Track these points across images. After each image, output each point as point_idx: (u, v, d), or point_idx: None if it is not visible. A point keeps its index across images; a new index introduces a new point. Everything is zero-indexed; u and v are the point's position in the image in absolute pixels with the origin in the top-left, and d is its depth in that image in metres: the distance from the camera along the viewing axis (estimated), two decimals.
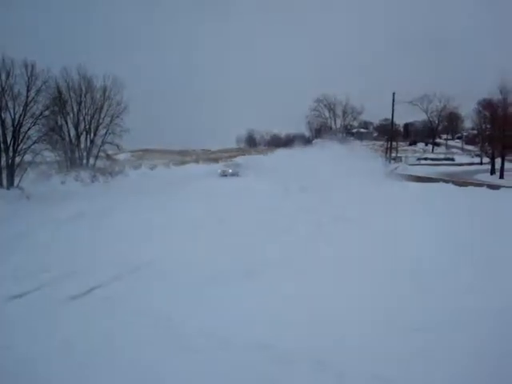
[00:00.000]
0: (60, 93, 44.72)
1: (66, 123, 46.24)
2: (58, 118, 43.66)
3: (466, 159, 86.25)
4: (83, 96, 47.88)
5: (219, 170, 53.27)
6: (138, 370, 6.78)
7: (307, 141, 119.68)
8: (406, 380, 6.27)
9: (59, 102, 43.67)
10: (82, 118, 47.81)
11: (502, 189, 32.75)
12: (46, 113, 37.41)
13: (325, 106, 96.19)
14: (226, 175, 50.95)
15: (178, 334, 7.95)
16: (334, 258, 12.43)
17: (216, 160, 73.85)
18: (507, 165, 54.94)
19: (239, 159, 75.48)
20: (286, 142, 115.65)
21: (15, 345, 7.69)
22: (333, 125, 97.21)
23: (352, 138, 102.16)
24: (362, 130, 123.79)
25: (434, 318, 8.24)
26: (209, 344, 7.50)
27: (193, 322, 8.42)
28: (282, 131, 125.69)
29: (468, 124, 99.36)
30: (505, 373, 6.42)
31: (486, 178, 49.13)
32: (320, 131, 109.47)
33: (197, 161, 71.02)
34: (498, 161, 54.55)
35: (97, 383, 6.52)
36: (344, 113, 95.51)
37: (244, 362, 6.86)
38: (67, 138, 45.92)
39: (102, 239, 16.04)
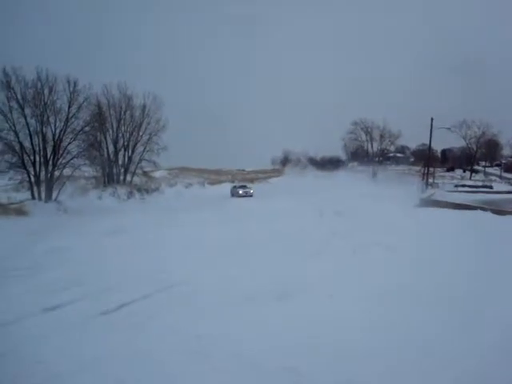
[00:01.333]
0: (100, 109, 45.53)
1: (105, 139, 47.02)
2: (98, 134, 44.38)
3: (504, 187, 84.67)
4: (123, 113, 48.73)
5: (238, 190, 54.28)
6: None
7: (343, 164, 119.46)
8: None
9: (99, 118, 44.40)
10: (120, 134, 48.61)
11: None
12: (87, 128, 38.15)
13: (362, 129, 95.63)
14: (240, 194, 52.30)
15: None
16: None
17: (251, 180, 73.99)
18: None
19: (274, 180, 75.62)
20: (322, 164, 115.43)
21: (46, 360, 7.74)
22: (369, 148, 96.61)
23: (388, 163, 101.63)
24: (399, 154, 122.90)
25: None
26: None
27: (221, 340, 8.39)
28: (318, 153, 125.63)
29: (507, 151, 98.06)
30: None
31: None
32: (356, 154, 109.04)
33: (232, 180, 71.24)
34: None
35: None
36: (381, 136, 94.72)
37: None
38: (106, 154, 46.65)
39: (136, 255, 16.17)
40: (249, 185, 56.39)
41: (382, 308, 10.25)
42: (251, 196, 51.20)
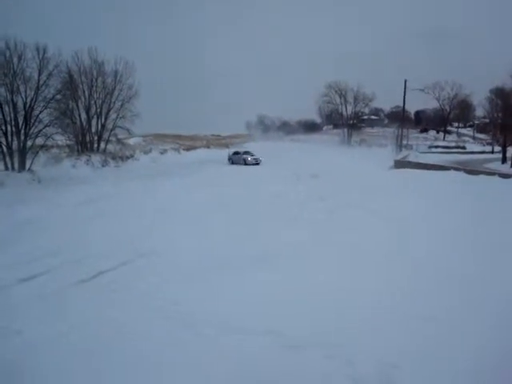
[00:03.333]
0: (71, 77, 44.63)
1: (77, 107, 46.19)
2: (70, 101, 43.56)
3: (477, 147, 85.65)
4: (94, 80, 47.77)
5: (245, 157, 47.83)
6: (144, 357, 6.80)
7: (318, 127, 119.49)
8: None
9: (70, 85, 43.56)
10: (93, 102, 47.76)
11: None
12: (58, 97, 37.45)
13: (336, 92, 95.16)
14: (248, 162, 46.88)
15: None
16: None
17: (227, 145, 73.75)
18: None
19: (249, 145, 75.39)
20: (297, 128, 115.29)
21: (24, 329, 7.76)
22: (344, 111, 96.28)
23: (363, 125, 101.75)
24: (373, 116, 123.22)
25: None
26: None
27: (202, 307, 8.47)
28: (293, 117, 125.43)
29: (480, 112, 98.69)
30: None
31: (498, 166, 48.73)
32: (331, 117, 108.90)
33: (207, 146, 70.89)
34: (510, 150, 54.16)
35: (103, 365, 6.58)
36: (355, 99, 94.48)
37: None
38: (78, 122, 45.88)
39: (112, 224, 16.12)
40: (239, 154, 48.72)
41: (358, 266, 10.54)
42: (258, 164, 47.06)
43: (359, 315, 8.02)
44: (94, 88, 47.79)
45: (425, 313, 8.09)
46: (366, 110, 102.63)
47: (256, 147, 62.56)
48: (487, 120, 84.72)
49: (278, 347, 6.91)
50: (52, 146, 39.46)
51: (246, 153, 49.45)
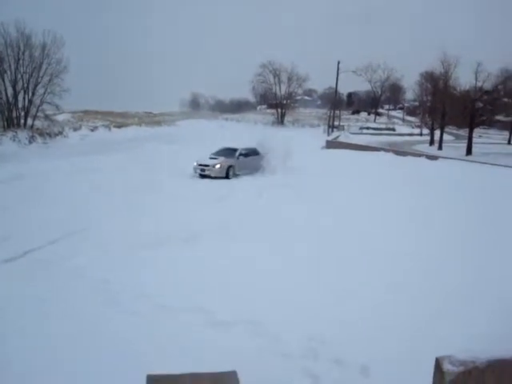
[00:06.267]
0: None
1: (3, 81, 44.44)
2: None
3: (406, 130, 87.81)
4: (21, 53, 45.94)
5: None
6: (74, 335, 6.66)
7: (252, 106, 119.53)
8: None
9: None
10: (19, 76, 45.94)
11: (439, 159, 33.51)
12: None
13: (270, 71, 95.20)
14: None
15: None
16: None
17: (159, 123, 72.72)
18: (445, 136, 56.29)
19: (182, 123, 74.70)
20: (231, 107, 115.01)
21: None
22: (277, 91, 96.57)
23: (296, 105, 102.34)
24: (307, 97, 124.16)
25: None
26: None
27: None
28: (227, 96, 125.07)
29: (410, 95, 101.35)
30: None
31: (425, 148, 50.25)
32: (265, 97, 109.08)
33: (139, 123, 69.61)
34: (437, 132, 55.84)
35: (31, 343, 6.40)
36: (289, 79, 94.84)
37: None
38: (4, 97, 44.18)
39: (38, 202, 15.68)
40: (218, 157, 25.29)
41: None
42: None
43: None
44: (21, 61, 45.98)
45: None
46: (300, 91, 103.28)
47: (188, 125, 62.13)
48: (417, 103, 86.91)
49: None
50: None
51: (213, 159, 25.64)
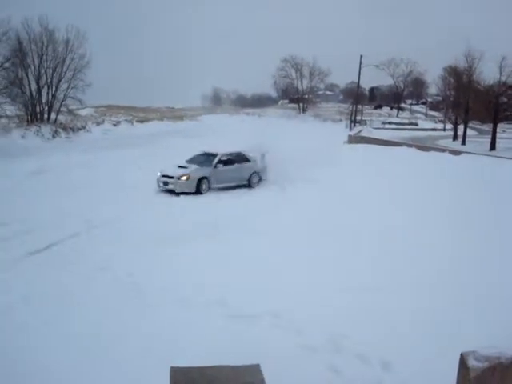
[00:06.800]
0: (20, 44, 43.27)
1: (27, 76, 44.87)
2: (19, 70, 42.37)
3: (429, 125, 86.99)
4: (45, 48, 46.36)
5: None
6: (97, 328, 6.72)
7: (273, 101, 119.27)
8: None
9: (20, 53, 42.32)
10: (43, 71, 46.40)
11: (463, 154, 33.15)
12: (6, 65, 36.48)
13: (292, 66, 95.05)
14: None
15: None
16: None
17: (181, 118, 72.91)
18: (469, 131, 55.72)
19: (204, 118, 74.80)
20: (252, 102, 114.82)
21: None
22: (299, 86, 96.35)
23: (318, 100, 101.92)
24: (328, 92, 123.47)
25: None
26: None
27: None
28: (249, 91, 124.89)
29: (433, 90, 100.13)
30: None
31: (449, 143, 49.73)
32: (286, 92, 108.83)
33: (161, 118, 69.87)
34: (461, 127, 55.26)
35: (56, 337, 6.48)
36: (311, 74, 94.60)
37: None
38: (28, 92, 44.62)
39: (61, 195, 15.83)
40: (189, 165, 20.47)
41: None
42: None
43: None
44: (45, 57, 46.45)
45: None
46: (322, 86, 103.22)
47: (209, 120, 62.25)
48: (440, 98, 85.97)
49: None
50: (0, 116, 38.34)
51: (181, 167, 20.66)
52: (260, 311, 7.21)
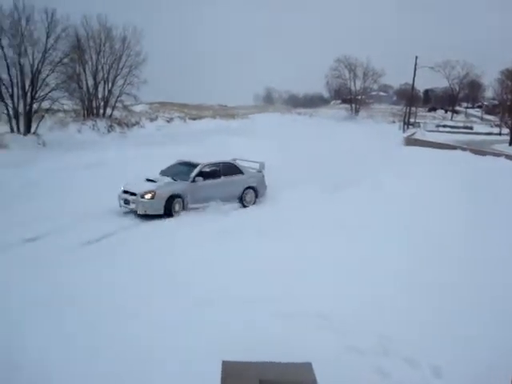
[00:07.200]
0: (79, 41, 44.22)
1: (85, 72, 45.87)
2: (77, 66, 43.26)
3: (484, 129, 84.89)
4: (102, 45, 47.35)
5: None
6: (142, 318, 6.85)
7: (325, 101, 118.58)
8: None
9: (78, 50, 43.21)
10: (100, 67, 47.38)
11: None
12: (65, 60, 37.14)
13: (345, 66, 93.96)
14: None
15: None
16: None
17: (233, 116, 73.24)
18: None
19: (255, 116, 74.87)
20: (304, 102, 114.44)
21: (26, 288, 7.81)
22: (352, 86, 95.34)
23: (371, 101, 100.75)
24: (382, 93, 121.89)
25: None
26: None
27: None
28: (301, 91, 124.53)
29: (489, 93, 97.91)
30: None
31: (505, 148, 48.49)
32: (339, 92, 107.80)
33: (213, 116, 70.39)
34: None
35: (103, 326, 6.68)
36: (364, 75, 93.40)
37: None
38: (85, 87, 45.60)
39: (115, 188, 16.07)
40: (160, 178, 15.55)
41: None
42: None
43: None
44: (102, 53, 47.43)
45: None
46: (375, 86, 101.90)
47: (260, 119, 62.32)
48: (496, 101, 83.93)
49: None
50: (58, 110, 39.18)
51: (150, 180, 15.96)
52: None
